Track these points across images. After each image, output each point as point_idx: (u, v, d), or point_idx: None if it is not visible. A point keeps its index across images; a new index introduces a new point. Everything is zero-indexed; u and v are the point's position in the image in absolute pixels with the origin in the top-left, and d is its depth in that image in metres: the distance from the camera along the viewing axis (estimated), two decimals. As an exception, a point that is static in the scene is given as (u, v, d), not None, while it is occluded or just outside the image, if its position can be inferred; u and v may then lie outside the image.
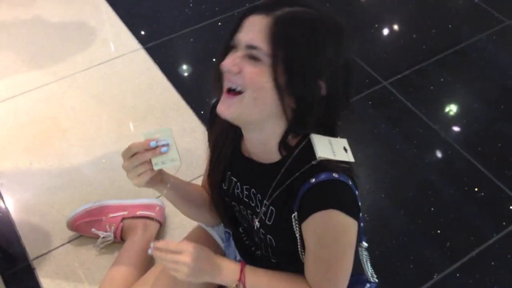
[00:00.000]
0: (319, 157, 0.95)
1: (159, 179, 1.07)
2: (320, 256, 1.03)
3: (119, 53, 2.28)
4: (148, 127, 1.98)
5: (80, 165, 1.86)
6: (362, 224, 1.13)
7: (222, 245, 1.35)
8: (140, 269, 1.45)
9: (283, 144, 1.00)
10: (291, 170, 1.00)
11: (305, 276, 1.08)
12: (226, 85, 0.96)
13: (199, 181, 1.85)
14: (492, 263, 1.63)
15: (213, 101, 1.08)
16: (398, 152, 1.95)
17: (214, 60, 2.27)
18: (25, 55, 2.25)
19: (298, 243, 1.05)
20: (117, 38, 2.37)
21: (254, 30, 0.91)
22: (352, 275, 1.12)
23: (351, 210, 0.97)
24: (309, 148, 0.98)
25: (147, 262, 1.52)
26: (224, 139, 1.12)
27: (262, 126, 0.99)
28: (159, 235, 1.64)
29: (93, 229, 1.59)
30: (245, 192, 1.12)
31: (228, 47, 0.96)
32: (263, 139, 1.02)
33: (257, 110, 0.94)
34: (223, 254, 1.33)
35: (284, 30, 0.89)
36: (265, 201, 1.06)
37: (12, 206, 1.74)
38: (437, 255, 1.65)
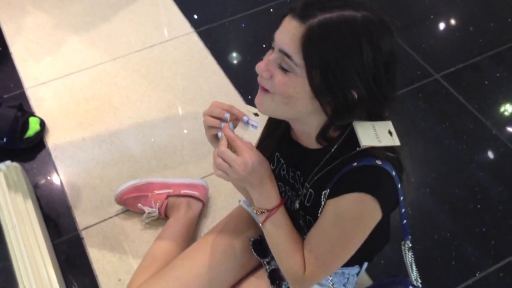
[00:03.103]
0: (363, 145, 0.94)
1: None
2: (329, 233, 1.02)
3: (172, 36, 2.32)
4: (196, 109, 2.02)
5: (129, 143, 1.92)
6: (405, 221, 1.09)
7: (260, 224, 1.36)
8: (182, 245, 1.49)
9: (322, 136, 1.00)
10: (335, 157, 1.00)
11: (304, 246, 1.07)
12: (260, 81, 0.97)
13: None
14: (538, 265, 1.58)
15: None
16: (446, 146, 1.91)
17: (264, 46, 2.30)
18: (82, 34, 2.33)
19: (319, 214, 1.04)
20: (171, 21, 2.41)
21: (287, 37, 0.89)
22: (397, 275, 1.11)
23: (386, 201, 0.95)
24: (354, 136, 0.97)
25: (189, 239, 1.56)
26: (276, 121, 1.12)
27: (301, 121, 1.00)
28: (201, 215, 1.68)
29: (139, 204, 1.64)
30: (291, 174, 1.13)
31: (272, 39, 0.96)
32: (306, 130, 1.03)
33: (289, 111, 0.96)
34: (261, 234, 1.35)
35: (316, 41, 0.86)
36: (306, 184, 1.07)
37: (65, 178, 1.82)
38: (481, 253, 1.61)
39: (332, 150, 1.00)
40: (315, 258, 1.05)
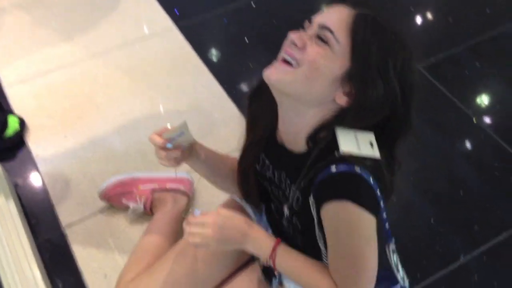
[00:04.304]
0: (342, 151, 0.94)
1: (187, 155, 1.15)
2: (338, 250, 1.01)
3: (153, 31, 2.31)
4: (180, 104, 2.01)
5: (113, 139, 1.90)
6: (387, 226, 1.07)
7: (254, 218, 1.36)
8: (170, 239, 1.48)
9: (312, 137, 1.00)
10: (317, 161, 0.99)
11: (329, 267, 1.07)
12: (282, 55, 0.97)
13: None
14: (521, 249, 1.61)
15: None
16: (428, 136, 1.93)
17: (247, 41, 2.30)
18: (61, 31, 2.30)
19: (316, 227, 1.04)
20: (151, 17, 2.40)
21: (335, 17, 0.93)
22: (385, 269, 1.11)
23: (367, 204, 0.94)
24: (336, 141, 0.96)
25: (177, 233, 1.54)
26: (263, 121, 1.13)
27: (300, 109, 0.99)
28: (187, 209, 1.67)
29: (124, 200, 1.63)
30: (276, 175, 1.13)
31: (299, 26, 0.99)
32: (296, 126, 1.02)
33: (304, 88, 0.95)
34: None
35: (367, 27, 0.91)
36: (293, 186, 1.07)
37: (47, 176, 1.79)
38: (464, 238, 1.63)
39: (313, 155, 0.99)
40: (343, 276, 1.03)
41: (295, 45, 0.94)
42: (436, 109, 2.01)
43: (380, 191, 0.96)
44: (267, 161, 1.15)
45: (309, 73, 0.92)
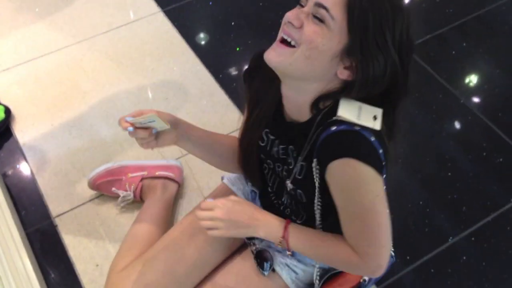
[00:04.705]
0: (338, 115, 0.95)
1: (173, 139, 1.13)
2: (350, 212, 1.02)
3: (138, 16, 2.28)
4: (167, 90, 2.00)
5: (100, 127, 1.89)
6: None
7: None
8: (162, 226, 1.48)
9: (316, 105, 1.01)
10: (320, 126, 1.01)
11: (344, 235, 1.07)
12: (281, 35, 0.97)
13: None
14: (508, 228, 1.63)
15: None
16: (416, 117, 1.94)
17: (233, 23, 2.28)
18: (45, 17, 2.26)
19: (316, 195, 1.05)
20: (136, 1, 2.36)
21: None
22: None
23: (370, 160, 0.94)
24: (336, 110, 0.98)
25: (168, 221, 1.55)
26: (266, 96, 1.13)
27: (302, 86, 1.00)
28: (177, 196, 1.67)
29: (113, 188, 1.62)
30: (281, 151, 1.13)
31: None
32: (300, 99, 1.03)
33: (305, 68, 0.95)
34: None
35: (359, 1, 0.90)
36: (299, 157, 1.08)
37: (35, 165, 1.78)
38: (453, 219, 1.65)
39: (317, 120, 1.01)
40: (360, 239, 1.04)
41: (292, 24, 0.94)
42: (423, 90, 2.02)
43: (384, 153, 0.96)
44: (272, 137, 1.15)
45: (308, 53, 0.93)
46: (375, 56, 0.92)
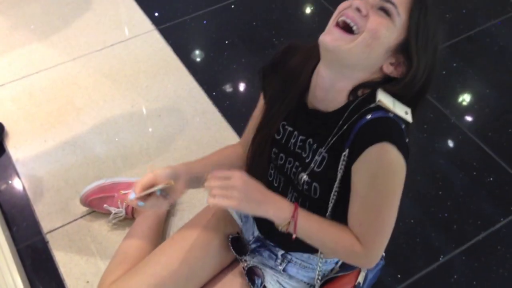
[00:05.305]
0: (379, 100, 1.00)
1: (182, 189, 1.13)
2: (369, 201, 1.03)
3: (133, 34, 2.30)
4: (161, 107, 2.01)
5: (94, 143, 1.89)
6: None
7: (239, 221, 1.37)
8: (153, 242, 1.48)
9: (355, 92, 1.04)
10: (351, 116, 1.03)
11: (350, 227, 1.07)
12: (340, 18, 1.00)
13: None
14: (498, 247, 1.64)
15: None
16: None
17: (227, 42, 2.30)
18: (40, 35, 2.28)
19: (336, 183, 1.05)
20: (131, 19, 2.38)
21: None
22: None
23: (403, 148, 0.99)
24: (372, 98, 1.02)
25: (159, 237, 1.55)
26: (292, 87, 1.14)
27: (346, 73, 1.03)
28: (169, 213, 1.67)
29: (105, 205, 1.62)
30: (299, 143, 1.13)
31: None
32: (339, 84, 1.05)
33: (361, 55, 0.99)
34: (240, 230, 1.35)
35: (420, 7, 0.98)
36: (320, 149, 1.08)
37: (27, 181, 1.78)
38: (444, 238, 1.66)
39: (351, 108, 1.03)
40: (370, 229, 1.05)
41: (359, 11, 0.98)
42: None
43: (407, 143, 1.02)
44: (290, 128, 1.15)
45: (370, 41, 0.97)
46: (423, 58, 1.00)
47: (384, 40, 0.98)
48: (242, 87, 2.14)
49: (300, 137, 1.13)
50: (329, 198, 1.08)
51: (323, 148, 1.07)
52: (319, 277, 1.22)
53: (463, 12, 2.45)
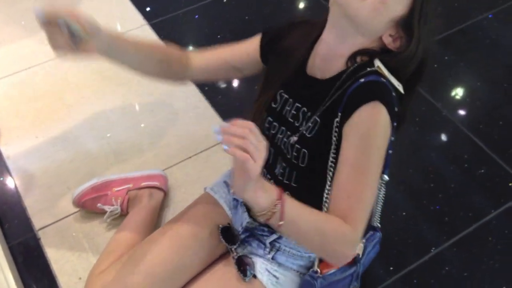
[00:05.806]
0: (377, 66, 1.04)
1: (90, 48, 1.09)
2: (358, 165, 1.02)
3: (125, 29, 2.29)
4: (152, 102, 2.00)
5: (85, 139, 1.89)
6: (390, 151, 1.09)
7: (228, 212, 1.37)
8: (146, 233, 1.46)
9: (353, 57, 1.08)
10: (346, 82, 1.06)
11: (332, 205, 1.03)
12: None
13: (204, 155, 1.87)
14: (489, 239, 1.65)
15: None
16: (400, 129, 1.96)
17: (219, 36, 2.29)
18: (31, 31, 2.26)
19: (332, 149, 1.06)
20: (123, 14, 2.37)
21: None
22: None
23: (392, 112, 1.03)
24: (367, 65, 1.06)
25: (152, 228, 1.54)
26: (289, 58, 1.18)
27: (350, 34, 1.06)
28: (162, 206, 1.67)
29: (99, 205, 1.61)
30: (293, 112, 1.15)
31: None
32: (340, 48, 1.09)
33: (367, 17, 1.02)
34: (229, 221, 1.36)
35: None
36: (314, 117, 1.10)
37: (18, 178, 1.77)
38: (435, 230, 1.67)
39: (347, 72, 1.07)
40: (356, 203, 1.02)
41: None
42: (407, 103, 2.04)
43: (397, 111, 1.05)
44: (286, 96, 1.18)
45: (378, 5, 1.00)
46: (423, 37, 1.04)
47: (391, 8, 1.02)
48: (234, 81, 2.14)
49: (296, 105, 1.15)
50: (316, 168, 1.10)
51: (317, 113, 1.10)
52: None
53: (455, 5, 2.45)
